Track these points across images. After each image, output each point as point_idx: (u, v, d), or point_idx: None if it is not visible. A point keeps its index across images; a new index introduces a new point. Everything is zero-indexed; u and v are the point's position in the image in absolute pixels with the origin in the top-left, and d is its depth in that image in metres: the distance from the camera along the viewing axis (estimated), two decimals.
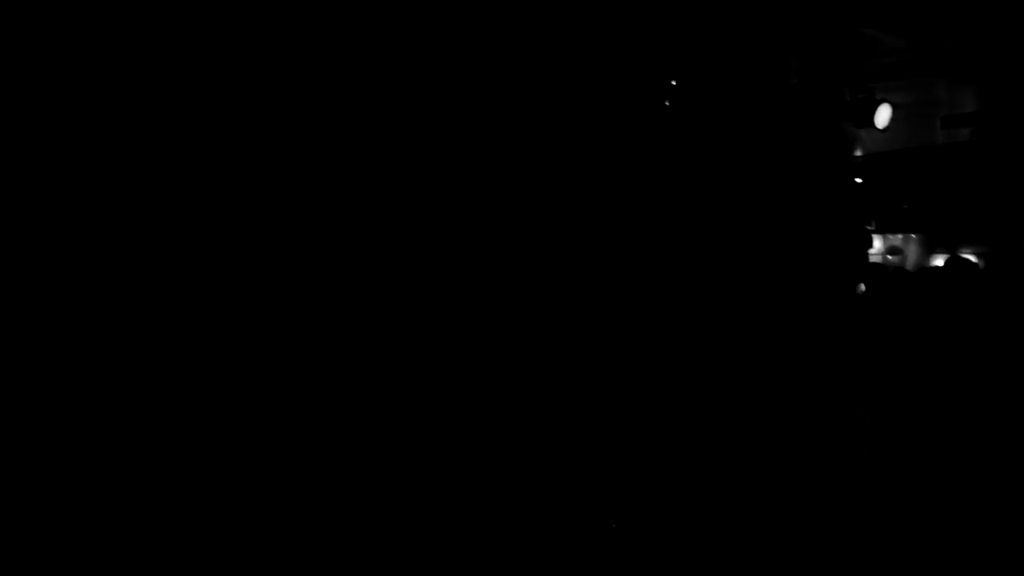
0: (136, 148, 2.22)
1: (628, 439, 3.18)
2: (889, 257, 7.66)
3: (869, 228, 5.91)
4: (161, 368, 2.20)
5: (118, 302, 2.17)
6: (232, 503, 2.24)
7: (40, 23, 2.06)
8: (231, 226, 2.37)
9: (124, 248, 2.19)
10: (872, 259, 6.46)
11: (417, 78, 2.86)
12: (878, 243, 7.38)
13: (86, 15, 2.12)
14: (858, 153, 6.27)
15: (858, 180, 6.25)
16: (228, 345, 2.33)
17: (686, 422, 3.41)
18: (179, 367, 2.23)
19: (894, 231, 7.66)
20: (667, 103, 4.18)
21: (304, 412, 2.43)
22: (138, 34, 2.21)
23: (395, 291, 2.69)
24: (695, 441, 3.35)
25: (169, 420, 2.19)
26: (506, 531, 2.61)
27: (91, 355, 2.10)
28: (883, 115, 5.25)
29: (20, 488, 1.96)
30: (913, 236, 7.89)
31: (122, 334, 2.16)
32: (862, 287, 5.44)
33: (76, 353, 2.08)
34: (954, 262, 5.76)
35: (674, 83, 4.25)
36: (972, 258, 6.61)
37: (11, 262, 2.01)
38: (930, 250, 7.91)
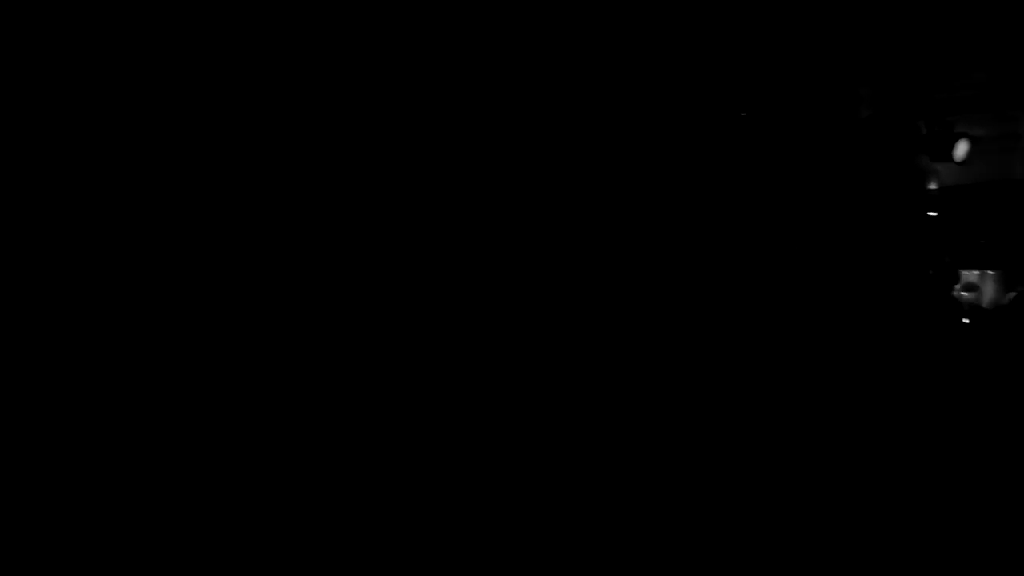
0: (136, 148, 2.24)
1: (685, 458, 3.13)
2: (964, 294, 7.36)
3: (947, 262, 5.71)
4: (161, 368, 2.22)
5: (118, 302, 2.19)
6: (232, 503, 2.24)
7: (40, 23, 2.09)
8: (231, 226, 2.39)
9: (123, 248, 2.21)
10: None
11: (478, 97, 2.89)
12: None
13: (86, 15, 2.14)
14: (933, 186, 6.09)
15: (933, 214, 6.07)
16: (228, 345, 2.34)
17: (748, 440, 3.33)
18: (179, 367, 2.25)
19: (970, 267, 7.38)
20: (737, 134, 4.15)
21: (304, 412, 2.43)
22: (138, 34, 2.23)
23: (396, 292, 2.67)
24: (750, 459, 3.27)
25: (169, 420, 2.21)
26: (506, 531, 2.58)
27: (91, 355, 2.12)
28: (961, 149, 5.10)
29: (19, 488, 1.98)
30: (990, 272, 7.58)
31: (122, 334, 2.18)
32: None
33: (76, 353, 2.10)
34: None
35: (744, 114, 4.23)
36: None
37: (11, 262, 2.03)
38: (1008, 287, 7.58)
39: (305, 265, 2.53)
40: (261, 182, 2.47)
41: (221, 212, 2.38)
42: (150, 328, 2.25)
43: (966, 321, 5.72)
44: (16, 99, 2.06)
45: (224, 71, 2.38)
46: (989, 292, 7.64)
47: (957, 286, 6.39)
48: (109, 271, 2.21)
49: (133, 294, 2.24)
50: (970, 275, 7.52)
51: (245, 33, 2.42)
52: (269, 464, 2.35)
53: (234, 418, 2.33)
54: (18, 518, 1.97)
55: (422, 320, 2.74)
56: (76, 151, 2.16)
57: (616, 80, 3.36)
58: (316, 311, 2.54)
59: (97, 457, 2.10)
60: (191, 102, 2.34)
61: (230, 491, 2.26)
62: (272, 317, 2.45)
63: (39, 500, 2.01)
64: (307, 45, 2.54)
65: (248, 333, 2.40)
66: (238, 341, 2.38)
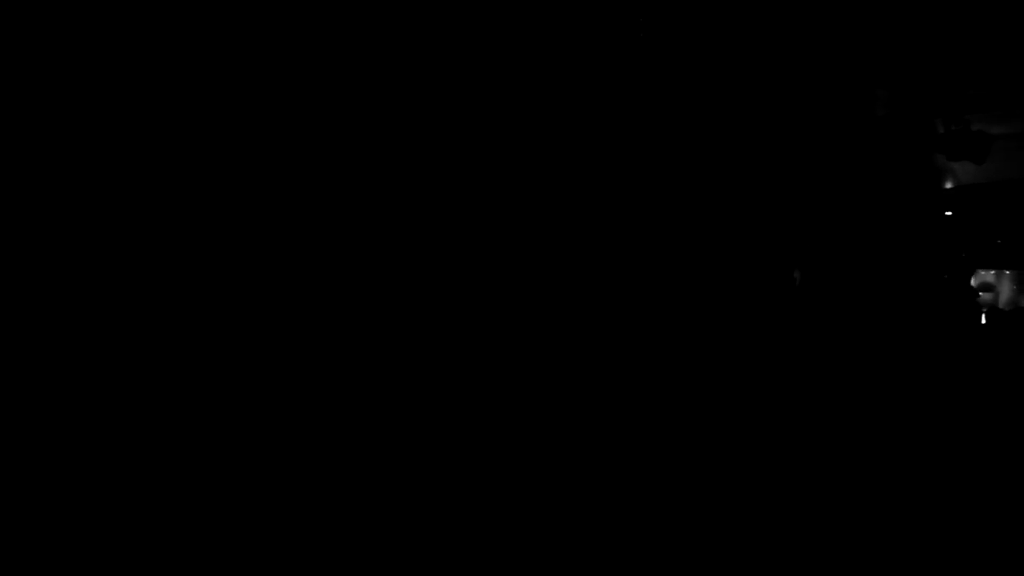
0: (135, 148, 2.22)
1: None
2: (981, 294, 7.31)
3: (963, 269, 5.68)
4: (161, 368, 2.23)
5: (117, 302, 2.19)
6: (232, 503, 2.26)
7: (40, 23, 2.09)
8: (230, 226, 2.39)
9: (123, 248, 2.21)
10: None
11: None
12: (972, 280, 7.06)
13: (86, 15, 2.13)
14: (949, 185, 6.05)
15: (948, 213, 6.03)
16: (228, 345, 2.36)
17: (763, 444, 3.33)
18: (179, 367, 2.26)
19: (987, 267, 7.33)
20: (750, 134, 4.15)
21: (304, 413, 2.43)
22: (138, 34, 2.22)
23: (395, 292, 2.67)
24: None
25: (168, 421, 2.22)
26: (506, 531, 2.58)
27: (90, 355, 2.12)
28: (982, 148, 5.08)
29: (18, 488, 1.99)
30: (1007, 272, 7.53)
31: (121, 334, 2.18)
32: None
33: (75, 353, 2.11)
34: None
35: (756, 115, 4.22)
36: None
37: (11, 262, 2.03)
38: None
39: (304, 264, 2.53)
40: (260, 181, 2.46)
41: (219, 211, 2.37)
42: (149, 328, 2.25)
43: (983, 321, 5.68)
44: (15, 99, 2.07)
45: (223, 69, 2.37)
46: (1006, 292, 7.58)
47: (973, 285, 6.36)
48: (108, 270, 2.20)
49: (132, 293, 2.24)
50: (987, 275, 7.47)
51: (245, 32, 2.40)
52: (269, 464, 2.36)
53: (233, 418, 2.33)
54: (17, 518, 1.98)
55: (421, 320, 2.74)
56: (74, 150, 2.16)
57: (634, 80, 3.37)
58: (315, 311, 2.54)
59: (96, 457, 2.11)
60: (190, 101, 2.34)
61: (229, 491, 2.27)
62: (271, 317, 2.45)
63: (39, 500, 2.02)
64: (307, 44, 2.53)
65: (247, 332, 2.40)
66: (237, 340, 2.38)
